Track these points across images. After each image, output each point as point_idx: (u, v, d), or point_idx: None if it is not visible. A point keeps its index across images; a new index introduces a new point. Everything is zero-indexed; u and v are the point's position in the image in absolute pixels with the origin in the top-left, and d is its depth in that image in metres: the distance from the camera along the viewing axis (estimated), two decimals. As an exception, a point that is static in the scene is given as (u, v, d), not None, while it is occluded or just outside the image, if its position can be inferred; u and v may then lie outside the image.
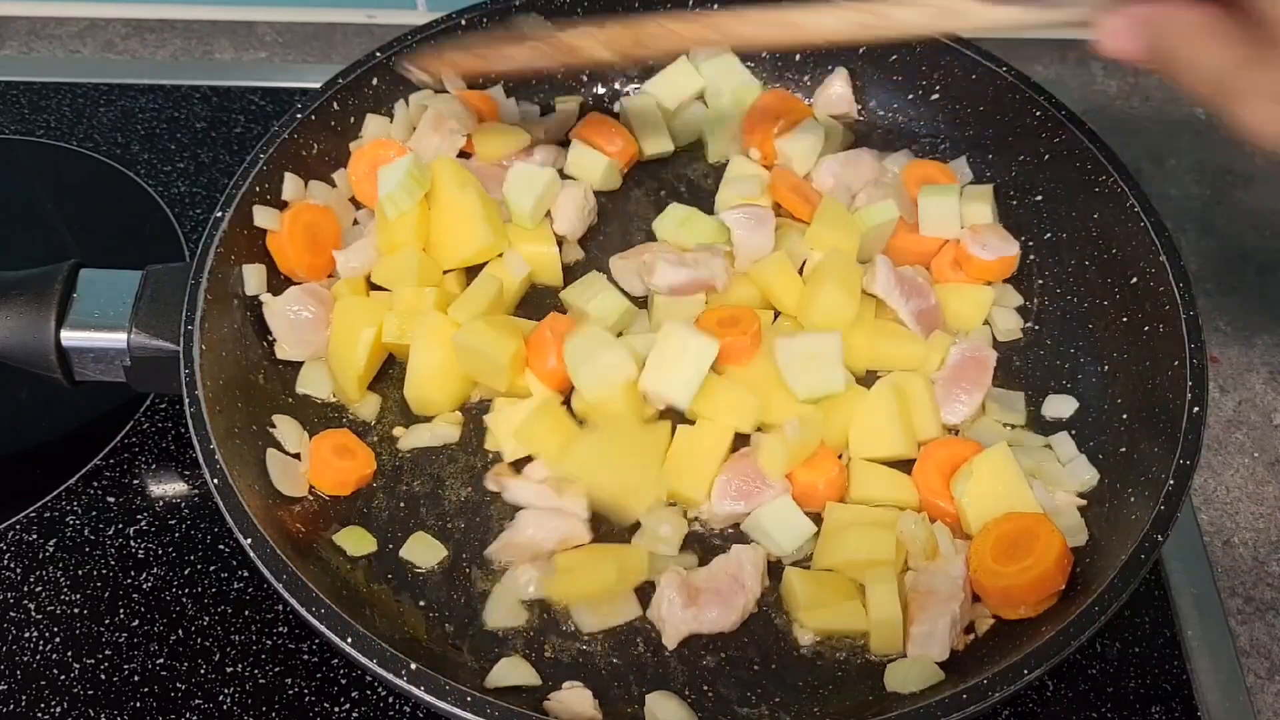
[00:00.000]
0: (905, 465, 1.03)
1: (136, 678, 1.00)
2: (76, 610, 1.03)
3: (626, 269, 1.14)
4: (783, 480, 1.01)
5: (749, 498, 1.00)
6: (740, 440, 1.03)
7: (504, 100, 1.26)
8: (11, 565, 1.06)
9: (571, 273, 1.16)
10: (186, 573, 1.05)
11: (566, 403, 1.05)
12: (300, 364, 1.09)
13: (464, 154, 1.21)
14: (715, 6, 1.25)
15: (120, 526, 1.08)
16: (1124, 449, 1.02)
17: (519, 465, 1.04)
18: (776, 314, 1.12)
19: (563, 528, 0.98)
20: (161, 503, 1.10)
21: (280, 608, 1.03)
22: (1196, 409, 0.95)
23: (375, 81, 1.17)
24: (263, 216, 1.09)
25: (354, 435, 1.05)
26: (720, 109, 1.26)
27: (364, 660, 0.84)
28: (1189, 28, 0.80)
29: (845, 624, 0.95)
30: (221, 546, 1.07)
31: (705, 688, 0.94)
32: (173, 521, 1.08)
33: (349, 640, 0.84)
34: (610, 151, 1.22)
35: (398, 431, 1.07)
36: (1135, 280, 1.07)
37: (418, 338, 1.04)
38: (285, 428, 1.04)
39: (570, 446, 1.00)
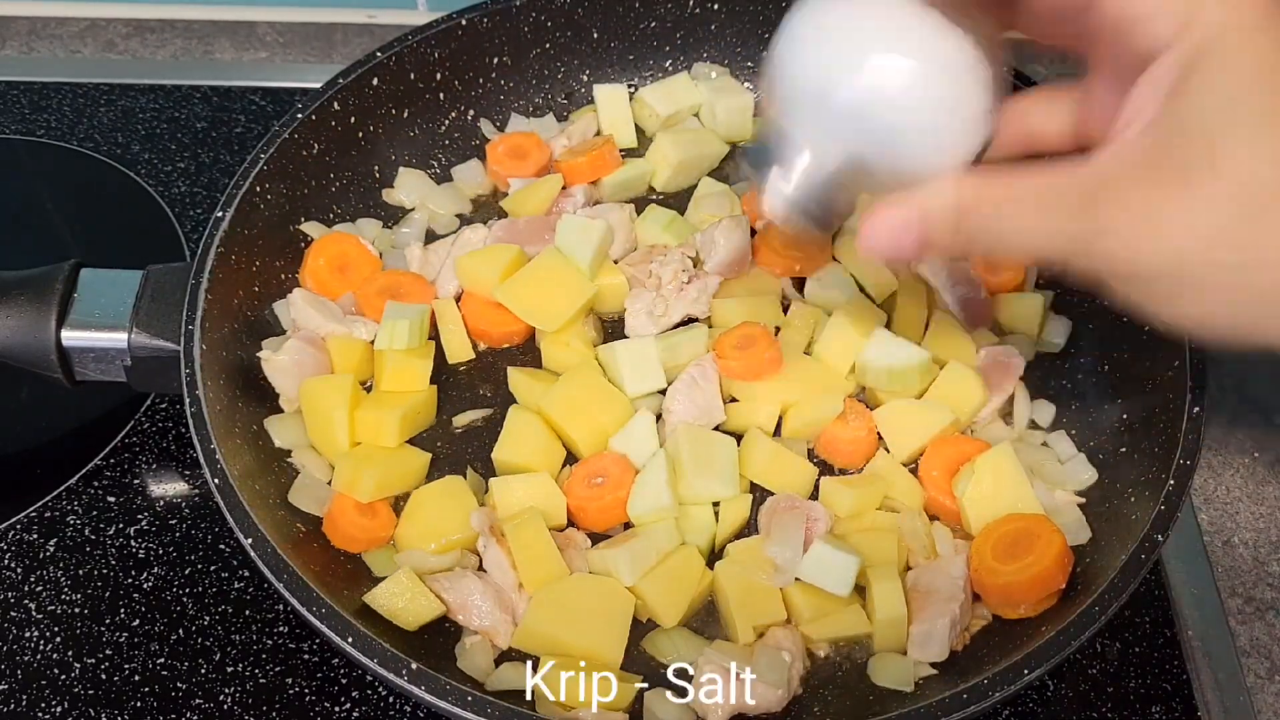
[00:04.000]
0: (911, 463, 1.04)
1: (137, 677, 1.00)
2: (77, 610, 1.03)
3: (637, 288, 1.13)
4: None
5: None
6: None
7: (532, 122, 1.26)
8: (12, 565, 1.06)
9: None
10: (187, 572, 1.05)
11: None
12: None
13: (501, 213, 1.21)
14: (714, 5, 1.26)
15: (120, 526, 1.08)
16: (1124, 449, 1.02)
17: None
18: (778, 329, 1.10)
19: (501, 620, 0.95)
20: (162, 502, 1.10)
21: (280, 608, 1.03)
22: (1196, 409, 0.95)
23: (376, 82, 1.17)
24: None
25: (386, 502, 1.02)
26: (714, 127, 1.26)
27: (364, 660, 0.84)
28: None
29: (849, 630, 0.95)
30: (222, 546, 1.07)
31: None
32: (173, 521, 1.08)
33: (349, 640, 0.84)
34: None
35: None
36: (1135, 280, 1.07)
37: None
38: (279, 426, 1.04)
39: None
